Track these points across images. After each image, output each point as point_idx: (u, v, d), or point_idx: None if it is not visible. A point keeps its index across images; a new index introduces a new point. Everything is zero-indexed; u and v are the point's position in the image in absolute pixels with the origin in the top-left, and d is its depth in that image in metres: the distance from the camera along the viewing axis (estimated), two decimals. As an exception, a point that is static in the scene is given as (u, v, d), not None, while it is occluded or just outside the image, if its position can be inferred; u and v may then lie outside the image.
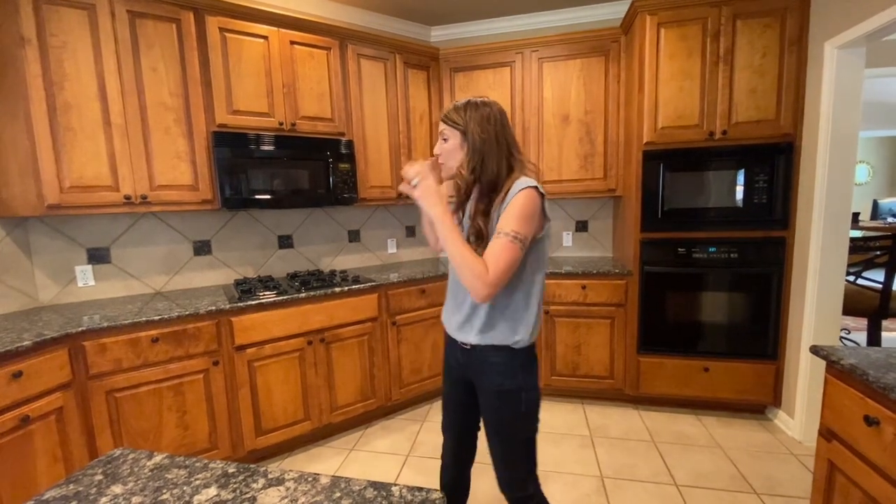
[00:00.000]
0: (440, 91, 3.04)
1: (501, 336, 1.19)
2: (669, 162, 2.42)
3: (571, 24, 3.06)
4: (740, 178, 2.35)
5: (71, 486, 0.72)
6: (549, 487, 2.00)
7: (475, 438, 1.41)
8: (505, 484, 1.27)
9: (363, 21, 3.00)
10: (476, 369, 1.24)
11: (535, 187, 1.11)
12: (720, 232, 2.41)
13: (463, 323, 1.24)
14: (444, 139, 1.22)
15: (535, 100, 2.89)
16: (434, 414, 2.73)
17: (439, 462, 1.47)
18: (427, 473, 2.14)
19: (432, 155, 1.25)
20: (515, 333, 1.18)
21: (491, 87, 2.96)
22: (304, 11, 2.74)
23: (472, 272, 1.06)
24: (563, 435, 2.44)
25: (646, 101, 2.40)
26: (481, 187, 1.19)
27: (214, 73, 2.19)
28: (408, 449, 2.36)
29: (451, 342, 1.33)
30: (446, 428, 1.42)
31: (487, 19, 3.19)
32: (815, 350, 1.33)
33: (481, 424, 1.34)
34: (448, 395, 1.39)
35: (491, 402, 1.23)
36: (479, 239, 1.15)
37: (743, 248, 2.39)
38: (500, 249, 1.06)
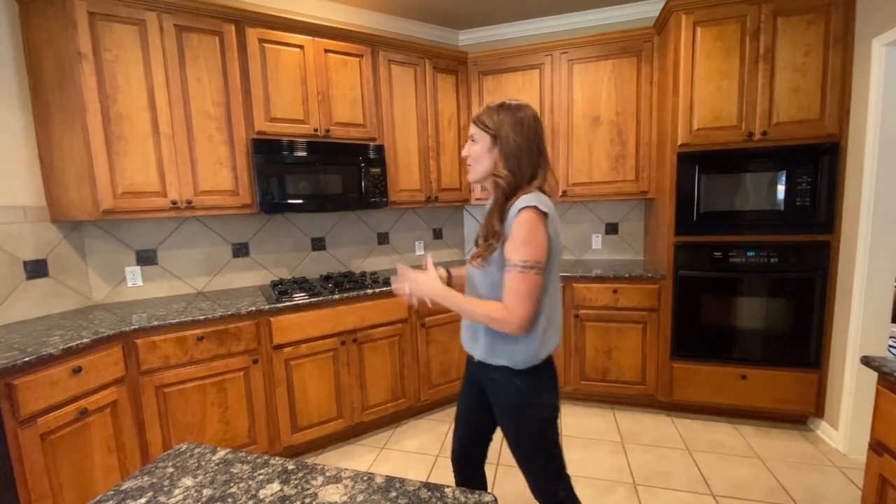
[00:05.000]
0: (468, 95, 3.06)
1: (500, 359, 1.20)
2: (706, 164, 2.37)
3: (602, 25, 3.03)
4: (781, 179, 2.27)
5: (145, 478, 0.77)
6: (580, 492, 1.98)
7: (484, 440, 1.42)
8: (535, 492, 1.29)
9: (393, 27, 3.05)
10: (484, 382, 1.28)
11: (535, 206, 1.09)
12: (759, 235, 2.34)
13: (470, 338, 1.28)
14: (473, 141, 1.22)
15: (565, 102, 2.87)
16: (462, 415, 2.75)
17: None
18: (457, 474, 2.16)
19: (461, 156, 1.26)
20: (513, 357, 1.18)
21: (520, 89, 2.96)
22: (337, 20, 2.81)
23: (493, 320, 1.11)
24: (594, 440, 2.42)
25: (681, 102, 2.35)
26: (513, 187, 1.16)
27: (254, 82, 2.28)
28: (437, 449, 2.38)
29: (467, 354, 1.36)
30: (456, 426, 1.44)
31: (515, 22, 3.19)
32: (866, 361, 1.28)
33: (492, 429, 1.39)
34: (461, 394, 1.43)
35: (500, 416, 1.26)
36: (494, 234, 1.15)
37: (784, 252, 2.32)
38: (513, 283, 1.08)
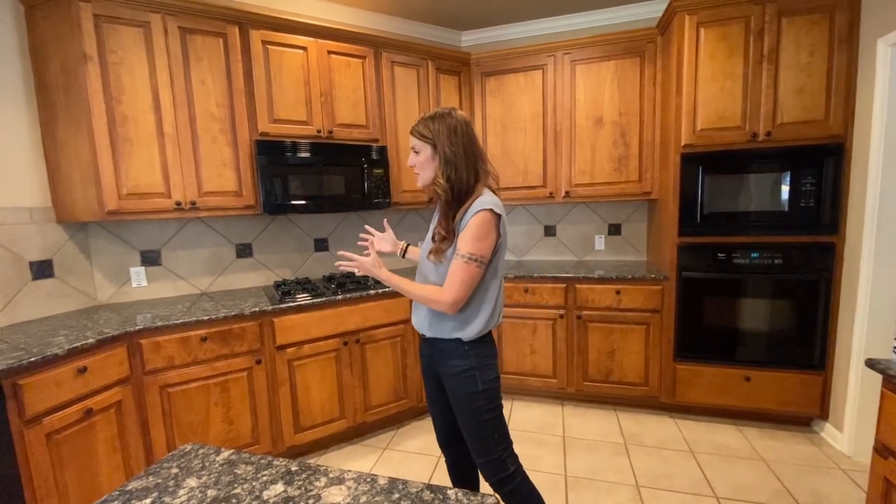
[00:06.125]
0: (471, 95, 3.07)
1: (448, 332, 1.33)
2: (709, 164, 2.36)
3: (605, 25, 3.03)
4: (786, 180, 2.26)
5: (150, 479, 0.78)
6: (582, 494, 2.00)
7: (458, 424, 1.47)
8: (486, 470, 1.36)
9: (396, 28, 3.05)
10: (435, 357, 1.40)
11: (491, 209, 1.23)
12: (763, 237, 2.33)
13: (421, 319, 1.40)
14: (416, 152, 1.34)
15: (568, 102, 2.87)
16: (465, 416, 2.75)
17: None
18: (460, 475, 2.16)
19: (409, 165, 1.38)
20: (463, 331, 1.32)
21: (522, 90, 2.96)
22: (340, 21, 2.82)
23: (430, 301, 1.28)
24: (596, 442, 2.42)
25: (684, 103, 2.35)
26: (452, 194, 1.29)
27: (257, 83, 2.29)
28: (439, 450, 2.38)
29: (420, 336, 1.46)
30: (432, 416, 1.54)
31: (518, 22, 3.19)
32: (870, 363, 1.28)
33: None
34: (426, 391, 1.53)
35: (450, 384, 1.36)
36: (444, 239, 1.30)
37: (788, 254, 2.31)
38: (456, 269, 1.24)
